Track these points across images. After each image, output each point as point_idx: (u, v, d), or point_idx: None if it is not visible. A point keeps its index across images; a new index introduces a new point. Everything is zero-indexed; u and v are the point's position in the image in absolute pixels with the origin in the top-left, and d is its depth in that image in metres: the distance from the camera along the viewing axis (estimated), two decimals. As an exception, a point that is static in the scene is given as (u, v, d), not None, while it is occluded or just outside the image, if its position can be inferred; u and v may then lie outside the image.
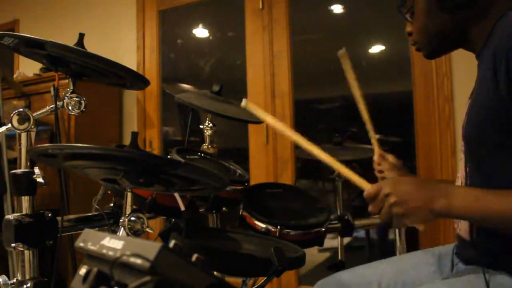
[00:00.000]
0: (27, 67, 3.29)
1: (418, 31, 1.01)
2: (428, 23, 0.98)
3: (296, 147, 2.73)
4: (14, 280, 1.08)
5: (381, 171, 1.35)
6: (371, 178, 1.41)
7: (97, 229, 1.29)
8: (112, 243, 0.54)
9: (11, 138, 2.33)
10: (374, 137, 1.34)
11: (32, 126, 1.13)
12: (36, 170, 1.12)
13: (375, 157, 1.37)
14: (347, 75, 1.22)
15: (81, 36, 1.16)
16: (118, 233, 1.07)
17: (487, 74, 0.84)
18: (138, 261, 0.48)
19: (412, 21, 1.02)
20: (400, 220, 0.86)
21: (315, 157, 1.02)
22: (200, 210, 1.47)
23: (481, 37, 0.93)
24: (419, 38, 1.02)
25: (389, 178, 0.93)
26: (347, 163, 2.06)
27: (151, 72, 3.22)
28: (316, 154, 1.02)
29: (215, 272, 1.04)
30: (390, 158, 1.34)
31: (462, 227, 0.99)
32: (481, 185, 0.91)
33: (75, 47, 1.10)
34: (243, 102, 1.09)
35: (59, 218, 1.16)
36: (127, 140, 1.76)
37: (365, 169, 1.45)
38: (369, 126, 1.32)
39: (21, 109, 1.12)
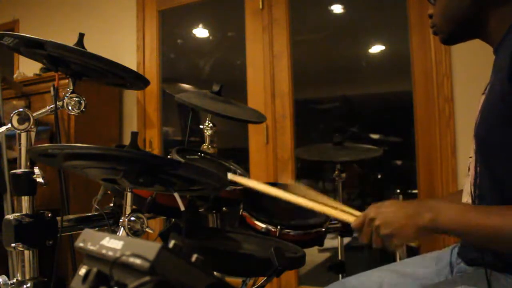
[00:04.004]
0: (27, 67, 3.29)
1: (438, 14, 1.01)
2: (449, 5, 0.98)
3: (296, 147, 2.74)
4: (14, 280, 1.08)
5: None
6: (370, 178, 1.41)
7: (97, 229, 1.29)
8: (112, 243, 0.54)
9: (11, 138, 2.33)
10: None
11: (32, 126, 1.13)
12: (36, 170, 1.12)
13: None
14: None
15: (81, 36, 1.16)
16: (118, 233, 1.07)
17: (503, 73, 0.83)
18: (138, 261, 0.48)
19: (434, 3, 1.02)
20: (390, 241, 0.85)
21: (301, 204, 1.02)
22: (200, 210, 1.47)
23: (499, 31, 0.93)
24: (439, 20, 1.02)
25: (372, 204, 0.93)
26: (347, 164, 2.07)
27: (151, 72, 3.22)
28: (301, 202, 1.02)
29: (215, 272, 1.04)
30: None
31: None
32: (491, 185, 0.91)
33: (75, 47, 1.10)
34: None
35: (59, 218, 1.16)
36: (127, 140, 1.76)
37: (365, 169, 1.45)
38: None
39: (21, 109, 1.12)
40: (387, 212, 0.86)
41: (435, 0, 1.01)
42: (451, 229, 0.83)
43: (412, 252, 1.20)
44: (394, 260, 1.61)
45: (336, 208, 1.00)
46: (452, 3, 0.98)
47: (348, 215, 0.97)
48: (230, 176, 1.16)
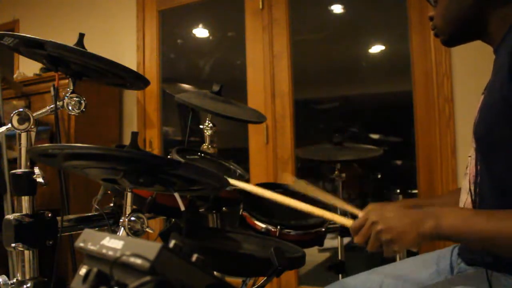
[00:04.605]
0: (27, 67, 3.29)
1: (439, 16, 1.01)
2: (450, 7, 0.98)
3: (296, 146, 2.74)
4: (14, 280, 1.09)
5: None
6: (370, 178, 1.41)
7: (97, 229, 1.29)
8: (112, 243, 0.54)
9: (11, 138, 2.33)
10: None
11: (32, 126, 1.13)
12: (36, 170, 1.12)
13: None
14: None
15: (81, 36, 1.16)
16: (118, 233, 1.07)
17: (502, 72, 0.83)
18: (138, 261, 0.48)
19: (435, 5, 1.02)
20: (390, 247, 0.84)
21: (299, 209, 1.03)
22: (200, 210, 1.47)
23: (500, 31, 0.93)
24: (439, 22, 1.02)
25: (374, 206, 0.92)
26: (347, 164, 2.07)
27: (151, 72, 3.22)
28: (295, 205, 1.03)
29: (215, 272, 1.04)
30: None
31: None
32: (491, 183, 0.91)
33: (75, 47, 1.10)
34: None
35: (59, 218, 1.16)
36: (127, 140, 1.76)
37: (365, 169, 1.46)
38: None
39: (21, 109, 1.12)
40: (390, 218, 0.85)
41: (435, 2, 1.01)
42: (453, 235, 0.83)
43: (411, 252, 1.20)
44: (394, 260, 1.61)
45: (335, 209, 1.00)
46: (453, 5, 0.98)
47: (345, 218, 0.96)
48: (231, 181, 1.14)
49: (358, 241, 0.89)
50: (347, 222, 0.95)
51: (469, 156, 1.00)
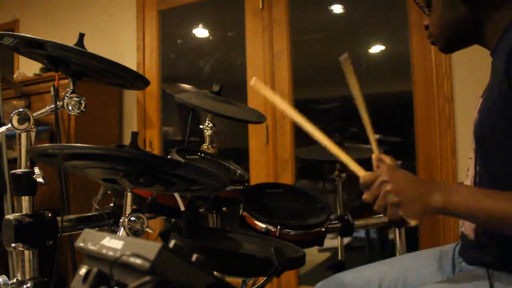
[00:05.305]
0: (27, 67, 3.29)
1: (434, 24, 1.02)
2: (444, 14, 0.99)
3: (296, 147, 2.73)
4: (14, 280, 1.09)
5: None
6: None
7: (97, 229, 1.29)
8: (112, 243, 0.54)
9: (11, 138, 2.33)
10: (373, 139, 1.34)
11: (32, 126, 1.13)
12: (36, 170, 1.12)
13: (373, 160, 1.37)
14: (349, 81, 1.21)
15: (81, 36, 1.16)
16: (118, 233, 1.07)
17: (500, 74, 0.84)
18: (138, 261, 0.48)
19: (429, 14, 1.03)
20: (394, 209, 0.83)
21: (317, 140, 1.01)
22: (200, 210, 1.47)
23: (495, 35, 0.94)
24: (435, 30, 1.03)
25: (387, 166, 0.91)
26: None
27: (151, 72, 3.22)
28: (318, 137, 1.01)
29: (215, 272, 1.04)
30: (387, 160, 1.34)
31: (468, 226, 0.99)
32: (491, 184, 0.91)
33: (75, 47, 1.10)
34: (252, 81, 1.06)
35: (59, 218, 1.16)
36: (127, 140, 1.76)
37: (365, 169, 1.46)
38: (368, 128, 1.31)
39: (21, 109, 1.13)
40: (401, 181, 0.84)
41: (430, 11, 1.02)
42: (461, 212, 0.82)
43: (411, 248, 1.20)
44: (394, 255, 1.61)
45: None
46: (447, 12, 0.99)
47: (360, 168, 0.94)
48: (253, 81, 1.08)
49: (366, 198, 0.87)
50: (360, 172, 0.93)
51: (470, 158, 1.00)
